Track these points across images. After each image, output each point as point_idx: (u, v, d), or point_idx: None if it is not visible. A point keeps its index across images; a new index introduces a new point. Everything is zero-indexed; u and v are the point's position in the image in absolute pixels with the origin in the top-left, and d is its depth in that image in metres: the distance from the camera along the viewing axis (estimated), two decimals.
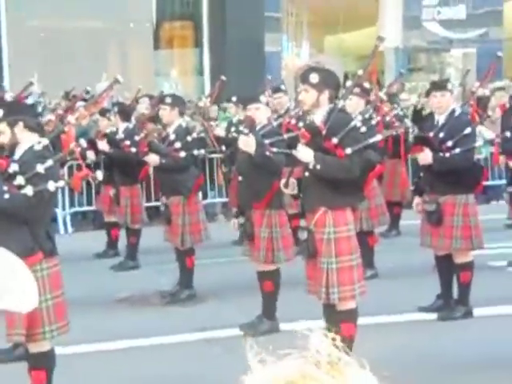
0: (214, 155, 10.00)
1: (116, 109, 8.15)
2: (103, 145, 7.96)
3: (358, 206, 4.72)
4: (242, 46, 16.07)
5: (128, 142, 7.69)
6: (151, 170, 7.75)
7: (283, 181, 4.72)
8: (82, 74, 15.39)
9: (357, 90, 6.42)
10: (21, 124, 4.15)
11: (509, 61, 15.62)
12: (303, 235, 4.54)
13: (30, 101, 7.60)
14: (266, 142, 5.44)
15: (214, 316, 6.00)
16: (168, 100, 6.72)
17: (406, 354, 4.98)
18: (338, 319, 4.48)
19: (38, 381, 4.12)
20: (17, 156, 4.14)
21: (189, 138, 6.60)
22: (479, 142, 6.26)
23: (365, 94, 6.93)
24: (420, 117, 9.48)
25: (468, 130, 5.68)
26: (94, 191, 9.71)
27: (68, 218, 10.19)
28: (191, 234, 6.57)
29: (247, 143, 5.36)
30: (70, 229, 10.14)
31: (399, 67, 17.87)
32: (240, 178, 5.71)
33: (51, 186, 3.88)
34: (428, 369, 4.79)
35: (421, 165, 5.80)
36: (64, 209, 10.14)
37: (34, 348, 4.08)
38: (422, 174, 5.90)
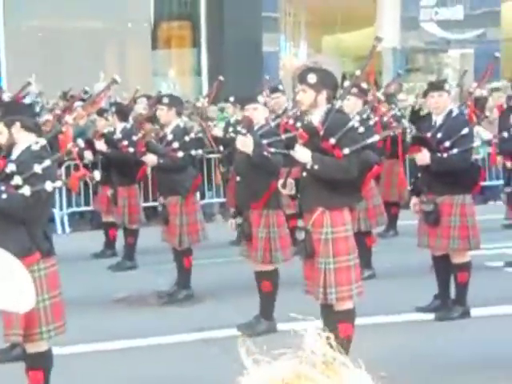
0: (211, 155, 10.00)
1: (114, 109, 8.15)
2: (101, 145, 7.96)
3: (355, 206, 4.73)
4: (239, 46, 16.07)
5: (126, 142, 7.69)
6: (149, 170, 7.75)
7: (281, 181, 4.72)
8: (80, 74, 15.38)
9: (354, 90, 6.42)
10: (18, 124, 4.15)
11: (506, 61, 15.64)
12: (301, 235, 4.54)
13: (27, 101, 7.59)
14: (264, 142, 5.44)
15: (212, 316, 6.00)
16: (165, 100, 6.72)
17: (404, 354, 4.98)
18: (336, 319, 4.48)
19: (36, 381, 4.12)
20: (14, 156, 4.13)
21: (186, 138, 6.60)
22: (477, 143, 6.27)
23: (362, 94, 6.93)
24: (418, 117, 9.49)
25: (465, 131, 5.68)
26: (91, 191, 9.70)
27: (65, 218, 10.19)
28: (189, 234, 6.57)
29: (245, 143, 5.36)
30: (67, 229, 10.13)
31: (397, 68, 17.89)
32: (238, 178, 5.71)
33: (48, 186, 3.88)
34: (425, 369, 4.79)
35: (418, 165, 5.80)
36: (61, 209, 10.14)
37: (32, 348, 4.08)
38: (419, 175, 5.90)
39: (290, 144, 5.06)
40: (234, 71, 14.64)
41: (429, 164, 5.63)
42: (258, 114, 5.63)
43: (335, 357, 1.06)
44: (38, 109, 10.22)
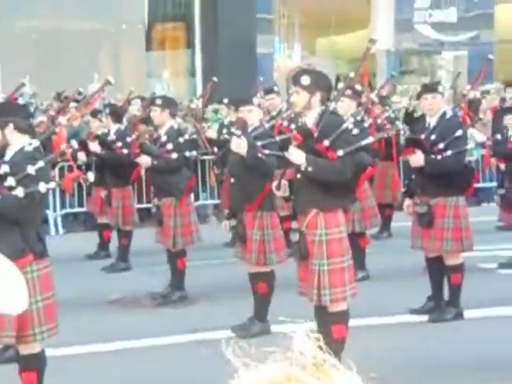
0: (205, 157, 9.99)
1: (108, 110, 8.14)
2: (95, 146, 7.95)
3: (349, 207, 4.73)
4: (233, 47, 16.08)
5: (120, 144, 7.68)
6: (143, 172, 7.74)
7: (275, 183, 4.72)
8: (75, 75, 15.36)
9: (348, 92, 6.43)
10: (11, 125, 4.14)
11: (500, 63, 15.69)
12: (295, 237, 4.54)
13: (21, 102, 7.58)
14: (258, 143, 5.44)
15: (206, 318, 5.99)
16: (159, 101, 6.72)
17: (397, 356, 4.99)
18: (330, 321, 4.49)
19: (29, 382, 4.11)
20: (7, 157, 4.12)
21: (181, 140, 6.60)
22: (470, 145, 6.29)
23: (356, 96, 6.94)
24: (411, 119, 9.51)
25: (459, 133, 5.70)
26: (85, 193, 9.69)
27: (59, 220, 10.17)
28: (183, 235, 6.56)
29: (239, 145, 5.37)
30: (61, 230, 10.11)
31: (391, 70, 17.91)
32: (232, 180, 5.71)
33: (42, 187, 3.87)
34: (419, 370, 4.80)
35: (412, 167, 5.81)
36: (55, 210, 10.12)
37: (25, 350, 4.07)
38: (413, 176, 5.91)
39: (284, 146, 5.06)
40: (228, 72, 14.64)
41: (423, 166, 5.64)
42: (253, 115, 5.63)
43: (325, 358, 1.06)
44: (31, 110, 10.21)
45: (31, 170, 3.92)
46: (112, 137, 7.84)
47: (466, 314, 5.81)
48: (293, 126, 5.50)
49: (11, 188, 3.91)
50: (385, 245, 8.43)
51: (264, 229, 5.54)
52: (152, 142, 6.97)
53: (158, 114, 6.67)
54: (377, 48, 15.59)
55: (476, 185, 8.71)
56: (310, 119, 4.50)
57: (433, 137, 5.68)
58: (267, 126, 5.94)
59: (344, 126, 4.48)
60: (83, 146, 7.81)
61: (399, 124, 8.54)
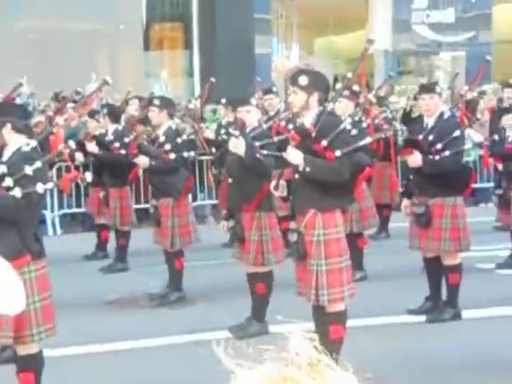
0: (203, 157, 9.99)
1: (105, 110, 8.13)
2: (92, 147, 7.94)
3: (347, 208, 4.73)
4: (231, 47, 16.08)
5: (117, 144, 7.67)
6: (141, 172, 7.74)
7: (273, 183, 4.72)
8: (72, 75, 15.36)
9: (346, 92, 6.43)
10: (8, 126, 4.14)
11: (497, 64, 15.70)
12: (293, 237, 4.54)
13: (18, 102, 7.56)
14: (256, 144, 5.44)
15: (204, 318, 5.99)
16: (156, 102, 6.72)
17: (395, 356, 4.99)
18: (327, 321, 4.49)
19: (27, 383, 4.10)
20: (5, 158, 4.12)
21: (179, 140, 6.59)
22: (468, 145, 6.29)
23: (354, 96, 6.94)
24: (409, 118, 9.51)
25: (457, 133, 5.70)
26: (83, 193, 9.68)
27: (57, 220, 10.16)
28: (181, 236, 6.56)
29: (237, 145, 5.37)
30: (58, 231, 10.11)
31: (389, 70, 17.91)
32: (230, 180, 5.70)
33: (40, 187, 3.87)
34: (417, 371, 4.80)
35: (410, 167, 5.81)
36: (53, 210, 10.11)
37: (23, 350, 4.07)
38: (411, 177, 5.91)
39: (282, 146, 5.06)
40: (226, 73, 14.65)
41: (420, 166, 5.64)
42: (251, 116, 5.63)
43: (320, 359, 1.06)
44: (29, 110, 10.20)
45: (29, 170, 3.92)
46: (110, 137, 7.84)
47: (463, 314, 5.81)
48: (291, 127, 5.50)
49: (9, 188, 3.90)
50: (383, 245, 8.43)
51: (262, 229, 5.54)
52: (150, 143, 6.97)
53: (155, 115, 6.67)
54: (375, 48, 15.61)
55: (473, 185, 8.71)
56: (307, 119, 4.50)
57: (431, 137, 5.68)
58: (265, 126, 5.94)
59: (342, 126, 4.49)
60: (81, 146, 7.80)
61: (397, 124, 8.54)
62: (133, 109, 10.08)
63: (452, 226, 5.67)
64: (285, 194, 4.67)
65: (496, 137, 7.63)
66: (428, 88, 5.94)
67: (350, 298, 4.54)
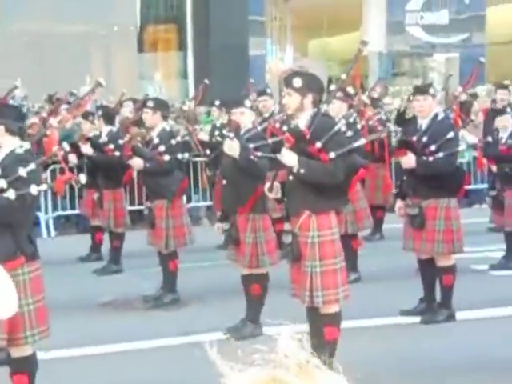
0: (198, 159, 9.99)
1: (100, 112, 8.12)
2: (86, 148, 7.93)
3: (342, 209, 4.74)
4: (226, 49, 16.08)
5: (112, 146, 7.66)
6: (135, 174, 7.73)
7: (267, 185, 4.72)
8: (67, 77, 15.35)
9: (339, 94, 6.44)
10: (2, 128, 4.13)
11: (491, 66, 15.75)
12: (287, 239, 4.54)
13: (12, 104, 7.54)
14: (251, 146, 5.44)
15: (198, 320, 5.98)
16: (150, 103, 6.71)
17: (389, 357, 4.99)
18: (322, 323, 4.49)
19: None
20: None
21: (173, 142, 6.59)
22: (462, 147, 6.30)
23: (347, 98, 6.95)
24: (403, 119, 9.53)
25: (451, 135, 5.71)
26: (77, 195, 9.67)
27: (51, 222, 10.14)
28: (175, 237, 6.56)
29: (231, 147, 5.37)
30: (52, 232, 10.09)
31: (383, 72, 17.96)
32: (224, 182, 5.70)
33: (34, 189, 3.86)
34: (411, 372, 4.80)
35: (404, 168, 5.82)
36: (47, 212, 10.09)
37: (16, 352, 4.06)
38: (404, 178, 5.92)
39: (276, 148, 5.06)
40: (221, 74, 14.65)
41: (414, 167, 5.65)
42: (245, 117, 5.63)
43: (309, 359, 1.06)
44: (24, 112, 10.17)
45: (22, 172, 3.91)
46: (104, 139, 7.83)
47: (457, 315, 5.82)
48: (285, 128, 5.50)
49: (2, 190, 3.89)
50: (377, 247, 8.44)
51: (257, 231, 5.54)
52: (144, 145, 6.96)
53: (149, 116, 6.66)
54: (369, 50, 15.64)
55: (467, 186, 8.73)
56: (302, 121, 4.50)
57: (424, 139, 5.69)
58: (260, 128, 5.94)
59: (336, 128, 4.49)
60: (75, 148, 7.79)
61: (391, 126, 8.56)
62: (127, 111, 10.06)
63: (445, 228, 5.68)
64: (279, 195, 4.67)
65: (489, 138, 7.65)
66: (422, 89, 5.95)
67: (345, 300, 4.54)
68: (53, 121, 6.27)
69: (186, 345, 5.42)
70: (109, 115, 8.06)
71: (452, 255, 5.82)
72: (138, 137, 7.65)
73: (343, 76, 4.88)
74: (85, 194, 8.51)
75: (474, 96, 11.72)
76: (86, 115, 8.45)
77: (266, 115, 7.79)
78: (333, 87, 5.07)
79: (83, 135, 8.26)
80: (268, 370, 1.04)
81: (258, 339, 5.26)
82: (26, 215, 4.01)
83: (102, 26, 18.29)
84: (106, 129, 7.93)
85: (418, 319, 5.80)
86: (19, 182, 3.90)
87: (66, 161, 6.04)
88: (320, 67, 16.63)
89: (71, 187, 9.26)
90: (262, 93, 8.38)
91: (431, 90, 5.87)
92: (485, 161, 8.11)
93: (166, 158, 6.50)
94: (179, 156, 6.65)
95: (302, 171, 4.39)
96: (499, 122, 7.64)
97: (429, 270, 5.83)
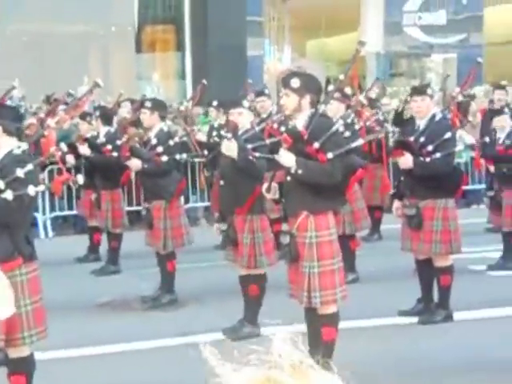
0: (195, 159, 9.98)
1: (98, 113, 8.12)
2: (84, 149, 7.93)
3: (339, 210, 4.74)
4: (224, 50, 16.08)
5: (109, 147, 7.66)
6: (133, 175, 7.73)
7: (265, 185, 4.72)
8: (64, 77, 15.34)
9: (336, 94, 6.44)
10: (0, 128, 4.12)
11: (489, 66, 15.77)
12: (285, 239, 4.54)
13: (9, 104, 7.53)
14: (249, 146, 5.44)
15: (196, 321, 5.98)
16: (148, 104, 6.71)
17: (387, 358, 4.99)
18: (320, 323, 4.49)
19: None
20: None
21: (171, 143, 6.59)
22: (459, 147, 6.31)
23: (345, 98, 6.95)
24: (401, 119, 9.54)
25: (448, 135, 5.71)
26: (74, 195, 9.66)
27: (48, 223, 10.13)
28: (173, 238, 6.55)
29: (229, 148, 5.37)
30: (50, 233, 10.08)
31: (380, 72, 17.97)
32: (221, 183, 5.70)
33: (31, 190, 3.85)
34: (408, 372, 4.80)
35: (401, 169, 5.82)
36: (44, 213, 10.09)
37: (14, 353, 4.05)
38: (402, 178, 5.93)
39: (274, 148, 5.06)
40: (219, 75, 14.65)
41: (412, 168, 5.65)
42: (243, 118, 5.63)
43: (302, 360, 1.07)
44: (22, 112, 10.16)
45: (20, 172, 3.90)
46: (102, 139, 7.83)
47: (455, 315, 5.82)
48: (283, 129, 5.50)
49: (0, 191, 3.89)
50: (375, 247, 8.44)
51: (254, 232, 5.54)
52: (142, 145, 6.96)
53: (147, 117, 6.66)
54: (367, 50, 15.65)
55: (465, 187, 8.73)
56: (299, 122, 4.50)
57: (422, 139, 5.70)
58: (257, 128, 5.94)
59: (334, 128, 4.49)
60: (72, 148, 7.79)
61: (389, 126, 8.56)
62: (125, 111, 10.07)
63: (443, 229, 5.68)
64: (277, 196, 4.67)
65: (487, 139, 7.65)
66: (419, 90, 5.96)
67: (343, 300, 4.54)
68: (50, 121, 6.27)
69: (184, 345, 5.42)
70: (107, 116, 8.06)
71: (450, 256, 5.82)
72: (136, 137, 7.65)
73: (341, 76, 4.89)
74: (82, 194, 8.50)
75: (472, 97, 11.73)
76: (84, 116, 8.44)
77: (264, 116, 7.79)
78: (331, 88, 5.07)
79: (81, 136, 8.26)
80: (263, 370, 1.05)
81: (254, 340, 5.26)
82: (23, 216, 4.00)
83: (100, 27, 18.29)
84: (103, 129, 7.92)
85: (415, 319, 5.80)
86: (17, 182, 3.90)
87: (63, 161, 6.04)
88: (318, 68, 16.63)
89: (69, 188, 9.25)
90: (259, 93, 8.38)
91: (429, 91, 5.88)
92: (482, 161, 8.12)
93: (164, 158, 6.50)
94: (177, 157, 6.65)
95: (299, 172, 4.39)
96: (497, 122, 7.65)
97: (426, 270, 5.83)
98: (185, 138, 8.39)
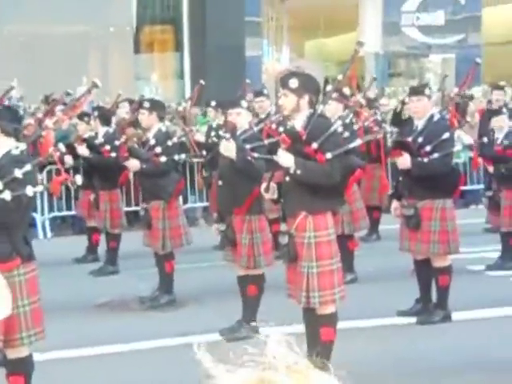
0: (194, 159, 9.98)
1: (96, 113, 8.12)
2: (82, 149, 7.93)
3: (338, 210, 4.74)
4: (222, 50, 16.08)
5: (108, 147, 7.65)
6: (131, 175, 7.72)
7: (264, 185, 4.72)
8: (63, 78, 15.33)
9: (334, 94, 6.44)
10: None
11: (487, 66, 15.78)
12: (284, 240, 4.54)
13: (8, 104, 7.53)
14: (247, 146, 5.44)
15: (194, 321, 5.98)
16: (146, 104, 6.71)
17: (386, 358, 5.00)
18: (318, 323, 4.49)
19: None
20: None
21: (169, 143, 6.59)
22: (458, 147, 6.31)
23: (343, 98, 6.95)
24: (399, 119, 9.54)
25: (446, 135, 5.71)
26: (73, 196, 9.66)
27: (47, 223, 10.13)
28: (172, 238, 6.55)
29: (228, 148, 5.37)
30: (49, 234, 10.07)
31: (379, 72, 17.98)
32: (220, 183, 5.70)
33: (29, 190, 3.85)
34: (407, 373, 4.81)
35: (399, 169, 5.83)
36: (43, 213, 10.08)
37: (12, 354, 4.05)
38: (400, 179, 5.93)
39: (272, 149, 5.06)
40: (217, 75, 14.66)
41: (410, 168, 5.65)
42: (242, 118, 5.63)
43: (297, 360, 1.07)
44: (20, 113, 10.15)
45: (18, 173, 3.90)
46: (100, 140, 7.82)
47: (453, 316, 5.82)
48: (281, 129, 5.50)
49: None
50: (373, 247, 8.44)
51: (253, 232, 5.55)
52: (140, 145, 6.96)
53: (145, 117, 6.66)
54: (365, 51, 15.65)
55: (464, 187, 8.74)
56: (298, 122, 4.50)
57: (420, 139, 5.70)
58: (256, 128, 5.94)
59: (332, 128, 4.49)
60: (71, 149, 7.78)
61: (387, 127, 8.56)
62: (123, 111, 10.06)
63: (441, 229, 5.69)
64: (275, 196, 4.67)
65: (485, 139, 7.66)
66: (416, 90, 5.96)
67: (341, 300, 4.54)
68: (48, 122, 6.26)
69: (183, 346, 5.41)
70: (105, 116, 8.06)
71: (448, 256, 5.82)
72: (135, 138, 7.65)
73: (339, 77, 4.89)
74: (81, 195, 8.50)
75: (470, 97, 11.73)
76: (82, 116, 8.44)
77: (262, 116, 7.79)
78: (329, 88, 5.07)
79: (79, 136, 8.26)
80: (257, 371, 1.05)
81: (251, 341, 5.26)
82: (21, 216, 4.00)
83: (98, 27, 18.28)
84: (102, 130, 7.92)
85: (414, 320, 5.81)
86: (15, 183, 3.90)
87: (61, 162, 6.03)
88: (316, 68, 16.63)
89: (67, 188, 9.25)
90: (258, 93, 8.38)
91: (426, 91, 5.88)
92: (480, 160, 8.13)
93: (163, 159, 6.50)
94: (176, 157, 6.65)
95: (298, 172, 4.39)
96: (495, 122, 7.66)
97: (425, 270, 5.83)
98: (183, 139, 8.39)
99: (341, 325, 4.63)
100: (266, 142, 5.75)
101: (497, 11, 21.27)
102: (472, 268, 7.36)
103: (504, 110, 7.99)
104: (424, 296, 5.90)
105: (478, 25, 19.90)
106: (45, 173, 9.27)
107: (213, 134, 8.25)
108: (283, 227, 4.64)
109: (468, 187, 10.81)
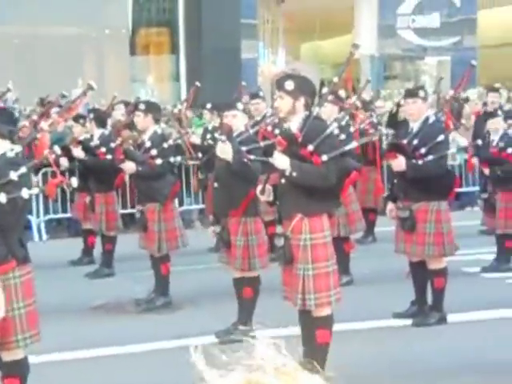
0: (189, 162, 9.98)
1: (91, 115, 8.11)
2: (78, 152, 7.92)
3: (334, 212, 4.74)
4: (218, 52, 16.09)
5: (103, 149, 7.65)
6: (127, 177, 7.71)
7: (259, 187, 4.72)
8: (58, 80, 15.31)
9: (330, 97, 6.44)
10: None
11: (482, 69, 15.80)
12: (280, 242, 4.54)
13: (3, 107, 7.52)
14: (243, 149, 5.44)
15: (190, 323, 5.98)
16: (142, 106, 6.71)
17: (381, 360, 5.00)
18: (314, 326, 4.49)
19: None
20: None
21: (165, 145, 6.58)
22: (452, 149, 6.32)
23: (338, 100, 6.96)
24: (395, 121, 9.55)
25: (441, 138, 5.72)
26: (68, 198, 9.65)
27: (42, 226, 10.12)
28: (167, 240, 6.55)
29: (224, 150, 5.37)
30: (44, 236, 10.06)
31: (375, 75, 18.01)
32: (216, 185, 5.70)
33: (25, 193, 3.85)
34: (403, 375, 4.81)
35: (394, 171, 5.83)
36: (38, 216, 10.07)
37: (8, 356, 4.04)
38: (395, 181, 5.94)
39: (268, 151, 5.07)
40: (213, 77, 14.66)
41: (405, 170, 5.66)
42: (237, 120, 5.63)
43: (285, 362, 1.07)
44: (16, 115, 10.14)
45: (14, 175, 3.90)
46: (96, 142, 7.82)
47: (449, 318, 5.83)
48: (277, 131, 5.50)
49: None
50: (369, 249, 8.45)
51: (248, 234, 5.55)
52: (136, 148, 6.95)
53: (141, 119, 6.66)
54: (361, 53, 15.68)
55: (459, 189, 8.76)
56: (294, 124, 4.51)
57: (415, 141, 5.71)
58: (252, 131, 5.94)
59: (328, 130, 4.50)
60: (66, 151, 7.78)
61: (383, 129, 8.58)
62: (119, 114, 10.05)
63: (436, 231, 5.69)
64: (271, 198, 4.67)
65: (479, 142, 7.67)
66: (411, 92, 5.97)
67: (337, 303, 4.54)
68: (44, 124, 6.25)
69: (179, 348, 5.41)
70: (100, 118, 8.05)
71: (443, 258, 5.83)
72: (130, 140, 7.65)
73: (335, 79, 4.89)
74: (76, 197, 8.49)
75: (465, 100, 11.77)
76: (78, 118, 8.43)
77: (258, 118, 7.80)
78: (325, 90, 5.07)
79: (75, 138, 8.25)
80: (245, 373, 1.05)
81: (243, 344, 5.26)
82: (17, 219, 3.99)
83: (94, 29, 18.27)
84: (97, 132, 7.92)
85: (409, 322, 5.81)
86: (10, 185, 3.89)
87: (57, 164, 6.03)
88: (312, 70, 16.65)
89: (63, 191, 9.24)
90: (254, 96, 8.38)
91: (421, 93, 5.88)
92: (475, 161, 8.14)
93: (158, 161, 6.50)
94: (171, 159, 6.65)
95: (294, 174, 4.40)
96: (491, 124, 7.68)
97: (420, 272, 5.84)
98: (179, 141, 8.40)
99: (336, 327, 4.63)
100: (262, 144, 5.75)
101: (492, 14, 21.33)
102: (467, 270, 7.37)
103: (499, 112, 8.01)
104: (419, 298, 5.91)
105: (474, 27, 19.94)
106: (40, 175, 9.26)
107: (208, 136, 8.25)
108: (279, 229, 4.64)
109: (463, 189, 10.83)
